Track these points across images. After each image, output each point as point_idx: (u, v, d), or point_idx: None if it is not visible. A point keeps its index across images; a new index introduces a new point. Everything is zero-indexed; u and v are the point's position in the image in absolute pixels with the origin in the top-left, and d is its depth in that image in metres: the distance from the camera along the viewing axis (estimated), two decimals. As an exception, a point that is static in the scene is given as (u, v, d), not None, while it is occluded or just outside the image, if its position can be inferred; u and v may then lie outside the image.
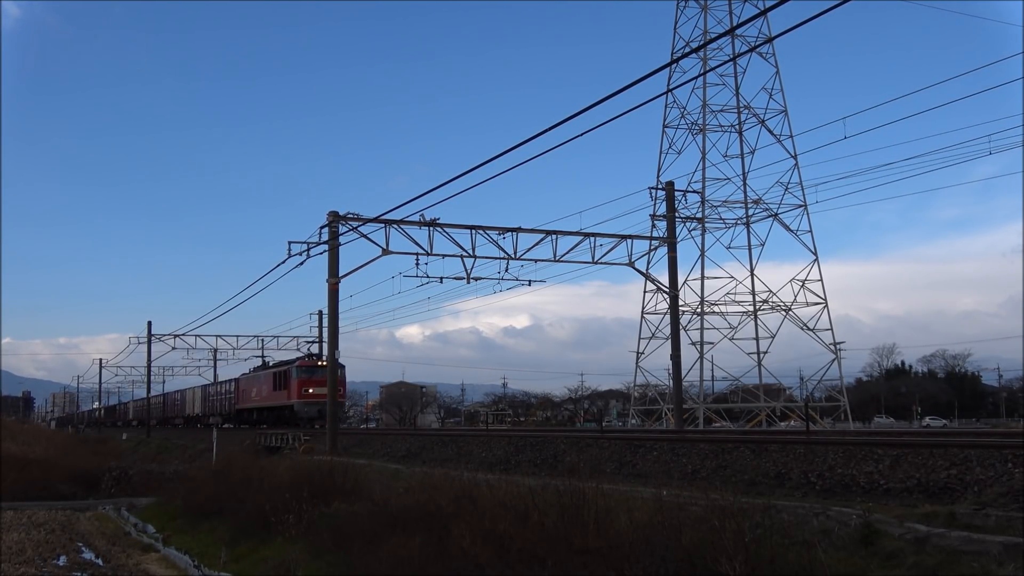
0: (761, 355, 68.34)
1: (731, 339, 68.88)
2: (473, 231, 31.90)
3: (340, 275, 31.10)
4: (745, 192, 68.14)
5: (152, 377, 77.85)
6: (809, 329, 67.62)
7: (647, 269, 39.17)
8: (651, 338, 68.39)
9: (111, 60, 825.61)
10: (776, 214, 66.95)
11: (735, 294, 68.62)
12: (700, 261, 68.45)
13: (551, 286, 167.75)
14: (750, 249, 69.02)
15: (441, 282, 32.77)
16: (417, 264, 31.46)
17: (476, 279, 33.32)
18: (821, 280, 66.95)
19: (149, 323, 71.87)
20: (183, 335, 66.62)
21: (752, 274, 68.89)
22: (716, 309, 68.78)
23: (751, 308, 68.87)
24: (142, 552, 22.05)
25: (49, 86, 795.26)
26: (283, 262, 31.62)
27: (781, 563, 8.95)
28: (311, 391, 44.14)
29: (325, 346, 39.64)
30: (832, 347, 67.45)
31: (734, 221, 67.97)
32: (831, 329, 67.41)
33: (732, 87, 69.61)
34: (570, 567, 10.15)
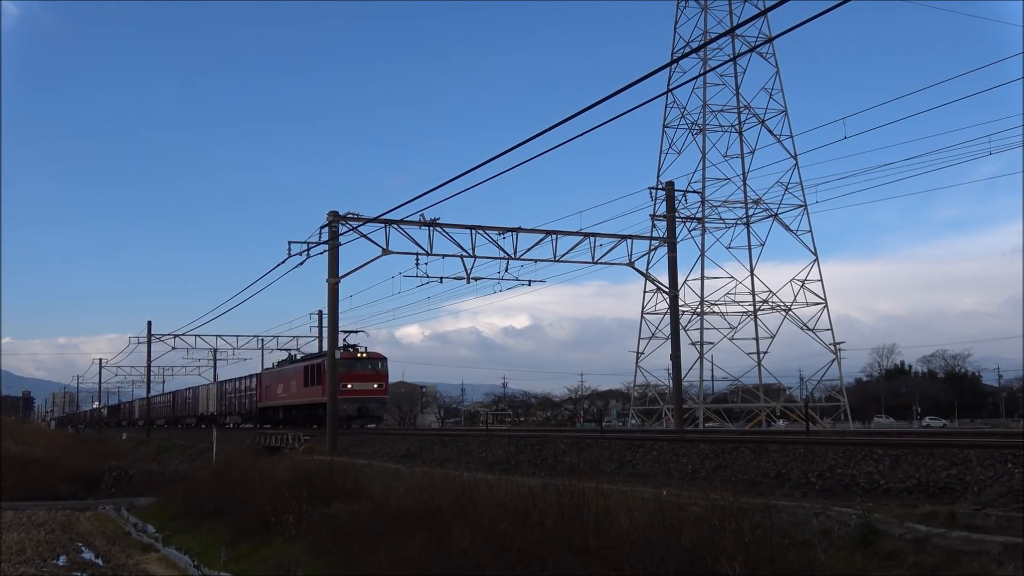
0: (761, 355, 68.40)
1: (731, 339, 68.94)
2: (473, 231, 31.91)
3: (340, 275, 31.12)
4: (745, 192, 68.21)
5: (152, 377, 77.98)
6: (809, 329, 67.67)
7: (647, 269, 39.21)
8: (651, 338, 68.45)
9: (111, 60, 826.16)
10: (776, 214, 67.00)
11: (735, 294, 68.68)
12: (700, 261, 68.53)
13: (551, 286, 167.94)
14: (750, 249, 69.10)
15: (441, 282, 32.79)
16: (417, 264, 31.49)
17: (476, 279, 33.34)
18: (821, 280, 67.03)
19: (149, 323, 71.93)
20: (183, 335, 66.69)
21: (752, 274, 68.94)
22: (716, 309, 68.82)
23: (751, 308, 68.89)
24: (142, 552, 22.07)
25: (49, 86, 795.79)
26: (283, 262, 31.67)
27: (781, 563, 8.96)
28: (351, 386, 39.61)
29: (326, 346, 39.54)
30: (832, 347, 67.47)
31: (734, 221, 68.03)
32: (831, 329, 67.47)
33: (732, 87, 69.68)
34: (570, 567, 10.16)
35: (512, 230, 32.31)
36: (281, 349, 71.26)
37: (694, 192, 45.46)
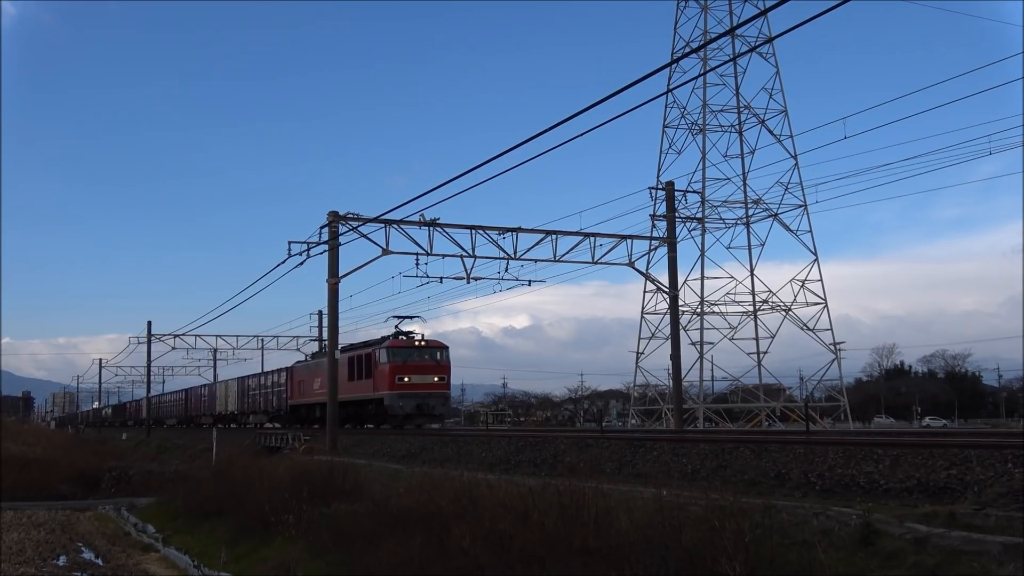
0: (761, 355, 68.43)
1: (731, 339, 68.97)
2: (473, 231, 31.92)
3: (340, 275, 31.14)
4: (745, 192, 68.23)
5: (152, 377, 78.01)
6: (809, 329, 67.70)
7: (647, 269, 39.19)
8: (651, 338, 68.51)
9: (110, 60, 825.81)
10: (776, 214, 67.04)
11: (735, 294, 68.71)
12: (700, 261, 68.53)
13: (551, 286, 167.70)
14: (750, 249, 69.13)
15: (441, 282, 32.76)
16: (417, 264, 31.48)
17: (476, 279, 33.33)
18: (821, 280, 67.06)
19: (149, 323, 72.00)
20: (183, 335, 66.81)
21: (752, 274, 68.97)
22: (716, 309, 68.86)
23: (751, 308, 68.91)
24: (142, 552, 22.08)
25: (48, 85, 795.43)
26: (283, 262, 31.70)
27: (781, 563, 8.96)
28: (407, 379, 34.87)
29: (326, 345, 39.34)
30: (832, 347, 67.49)
31: (734, 221, 68.06)
32: (831, 329, 67.50)
33: (732, 87, 69.70)
34: (570, 567, 10.16)
35: (512, 230, 32.33)
36: (281, 349, 71.38)
37: (694, 192, 45.47)
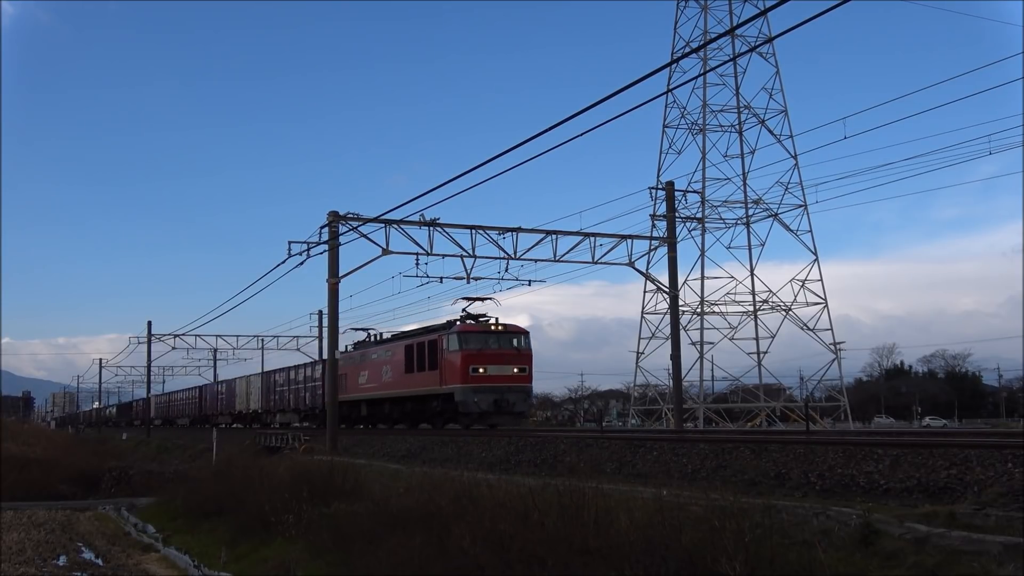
0: (761, 355, 68.50)
1: (731, 339, 69.07)
2: (473, 231, 31.91)
3: (340, 275, 31.12)
4: (745, 192, 68.31)
5: (152, 377, 78.01)
6: (809, 329, 67.77)
7: (647, 269, 39.20)
8: (651, 338, 68.59)
9: (109, 60, 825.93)
10: (776, 214, 67.12)
11: (735, 294, 68.80)
12: (700, 261, 68.65)
13: (551, 286, 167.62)
14: (750, 249, 69.21)
15: (441, 282, 32.64)
16: (417, 264, 31.42)
17: (476, 279, 33.23)
18: (821, 280, 67.14)
19: (149, 323, 71.98)
20: (183, 335, 66.79)
21: (752, 274, 69.04)
22: (716, 309, 68.95)
23: (751, 308, 68.96)
24: (142, 552, 22.08)
25: (48, 85, 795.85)
26: (283, 262, 31.68)
27: (781, 563, 8.96)
28: (483, 371, 29.87)
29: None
30: (832, 347, 67.54)
31: (734, 221, 68.18)
32: (831, 329, 67.56)
33: (732, 87, 69.80)
34: (570, 567, 10.16)
35: (512, 230, 32.32)
36: (281, 349, 71.38)
37: (694, 192, 45.50)
